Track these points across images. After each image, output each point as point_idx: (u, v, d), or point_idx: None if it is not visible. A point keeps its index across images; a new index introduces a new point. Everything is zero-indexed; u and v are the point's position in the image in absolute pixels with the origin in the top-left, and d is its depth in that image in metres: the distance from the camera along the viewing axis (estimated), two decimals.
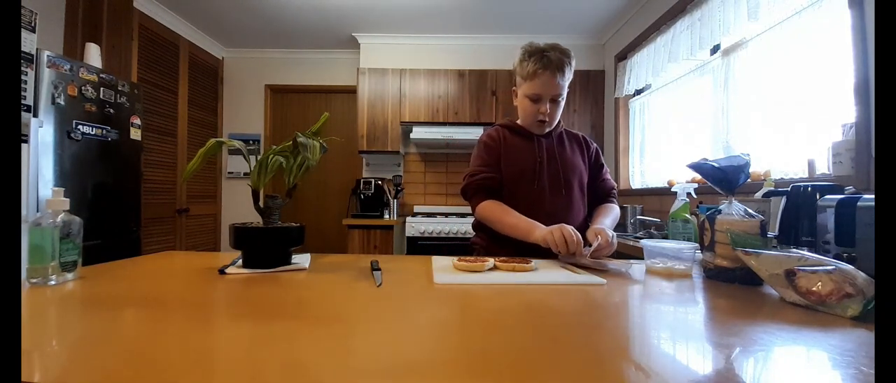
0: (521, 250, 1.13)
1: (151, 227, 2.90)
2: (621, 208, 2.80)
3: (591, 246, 1.03)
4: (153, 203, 2.95)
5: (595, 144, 1.38)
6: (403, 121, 3.36)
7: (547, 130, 1.29)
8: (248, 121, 3.90)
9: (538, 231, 1.08)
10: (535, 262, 0.95)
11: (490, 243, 1.26)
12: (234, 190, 3.89)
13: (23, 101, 1.73)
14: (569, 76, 1.21)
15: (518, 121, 1.33)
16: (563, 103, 1.25)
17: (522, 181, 1.24)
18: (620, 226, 2.73)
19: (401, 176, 3.58)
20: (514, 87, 1.31)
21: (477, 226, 1.33)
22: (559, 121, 1.32)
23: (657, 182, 2.76)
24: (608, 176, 1.38)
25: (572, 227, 1.02)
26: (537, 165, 1.25)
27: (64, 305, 0.61)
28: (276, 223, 0.92)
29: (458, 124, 3.34)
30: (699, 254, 0.91)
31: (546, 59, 1.17)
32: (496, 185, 1.24)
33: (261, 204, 0.93)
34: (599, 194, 1.35)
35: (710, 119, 2.24)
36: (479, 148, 1.31)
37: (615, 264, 0.99)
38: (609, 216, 1.27)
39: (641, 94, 2.97)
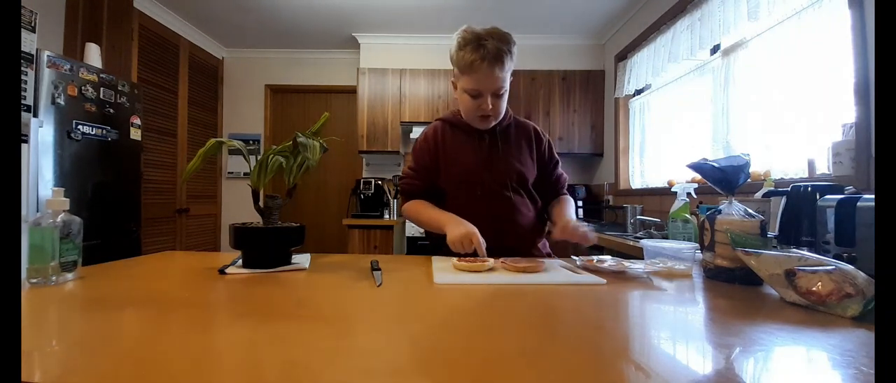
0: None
1: (151, 227, 2.90)
2: (621, 208, 2.81)
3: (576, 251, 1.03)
4: (153, 203, 2.95)
5: (547, 136, 1.28)
6: (403, 121, 3.36)
7: (492, 124, 1.18)
8: (248, 121, 3.90)
9: (448, 227, 1.04)
10: (545, 263, 0.94)
11: (437, 247, 1.19)
12: (234, 190, 3.89)
13: (23, 101, 1.73)
14: (510, 66, 1.09)
15: (461, 113, 1.23)
16: (506, 95, 1.14)
17: (464, 182, 1.16)
18: (620, 227, 2.73)
19: (401, 176, 3.57)
20: (452, 78, 1.19)
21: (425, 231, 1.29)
22: (507, 112, 1.21)
23: (657, 182, 2.76)
24: (560, 169, 1.29)
25: (479, 237, 0.98)
26: (480, 166, 1.16)
27: (64, 305, 0.61)
28: (276, 223, 0.92)
29: None
30: (699, 254, 0.91)
31: (483, 50, 1.05)
32: (419, 192, 1.22)
33: (261, 204, 0.92)
34: (552, 190, 1.27)
35: (710, 119, 2.24)
36: (413, 148, 1.26)
37: (633, 269, 0.89)
38: (568, 207, 1.21)
39: (641, 94, 2.97)
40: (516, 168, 1.19)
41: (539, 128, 1.29)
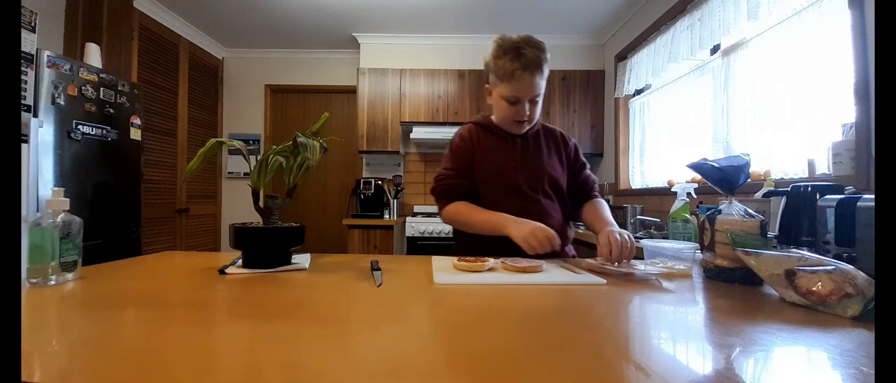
0: (490, 250, 1.07)
1: (151, 227, 2.90)
2: (621, 208, 2.81)
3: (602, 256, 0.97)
4: (153, 203, 2.95)
5: (573, 141, 1.31)
6: (403, 121, 3.36)
7: (526, 129, 1.22)
8: (248, 121, 3.90)
9: (512, 227, 1.03)
10: (545, 264, 0.93)
11: (461, 246, 1.21)
12: (234, 190, 3.89)
13: (23, 101, 1.73)
14: (546, 72, 1.13)
15: (492, 118, 1.26)
16: (541, 101, 1.17)
17: (498, 185, 1.18)
18: (621, 227, 2.72)
19: (401, 176, 3.58)
20: (487, 85, 1.22)
21: (452, 230, 1.29)
22: (537, 119, 1.25)
23: (657, 182, 2.76)
24: (589, 171, 1.31)
25: (549, 228, 0.98)
26: (513, 169, 1.19)
27: (64, 305, 0.61)
28: (276, 223, 0.92)
29: (458, 124, 3.33)
30: (699, 254, 0.91)
31: (524, 59, 1.08)
32: (462, 191, 1.19)
33: (261, 204, 0.93)
34: (583, 192, 1.29)
35: (710, 119, 2.24)
36: (449, 149, 1.26)
37: (638, 271, 0.88)
38: (607, 211, 1.20)
39: (641, 94, 2.97)
40: (548, 172, 1.22)
41: (565, 133, 1.32)
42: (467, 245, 1.19)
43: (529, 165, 1.21)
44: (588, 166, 1.33)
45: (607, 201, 3.34)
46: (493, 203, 1.16)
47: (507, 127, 1.22)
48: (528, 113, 1.15)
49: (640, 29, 2.83)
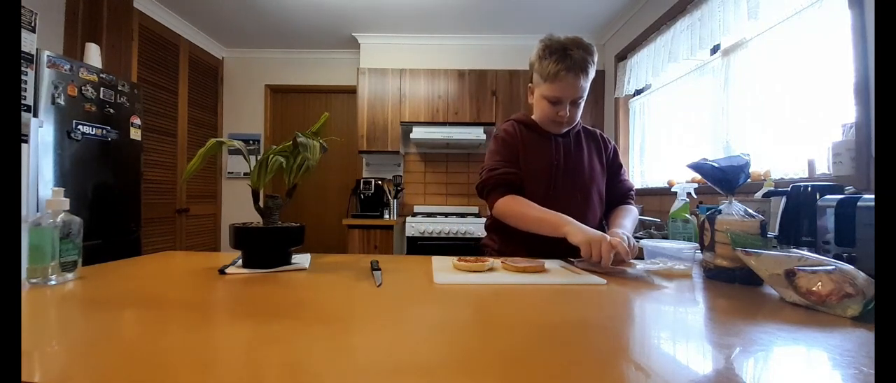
0: (535, 252, 1.06)
1: (151, 227, 2.90)
2: None
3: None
4: (153, 203, 2.95)
5: (613, 143, 1.31)
6: (403, 121, 3.36)
7: (566, 129, 1.21)
8: (248, 121, 3.90)
9: (572, 229, 0.98)
10: (548, 264, 0.93)
11: (503, 245, 1.20)
12: (234, 190, 3.89)
13: (23, 101, 1.73)
14: (592, 75, 1.12)
15: (533, 117, 1.25)
16: (583, 104, 1.16)
17: (537, 183, 1.17)
18: None
19: (401, 176, 3.57)
20: (530, 84, 1.22)
21: (490, 226, 1.26)
22: (577, 120, 1.24)
23: (657, 182, 2.76)
24: (626, 176, 1.31)
25: (618, 240, 0.90)
26: (553, 168, 1.18)
27: (64, 305, 0.61)
28: (276, 223, 0.92)
29: (458, 124, 3.34)
30: (699, 254, 0.91)
31: (569, 60, 1.07)
32: (517, 181, 1.16)
33: (261, 204, 0.93)
34: (617, 196, 1.27)
35: (710, 119, 2.24)
36: (495, 143, 1.24)
37: (636, 271, 0.89)
38: (627, 218, 1.17)
39: (641, 94, 2.98)
40: (588, 172, 1.21)
41: (604, 134, 1.32)
42: (513, 243, 1.16)
43: (570, 166, 1.20)
44: (624, 170, 1.32)
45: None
46: (532, 201, 1.14)
47: (546, 126, 1.21)
48: (568, 114, 1.14)
49: (640, 29, 2.83)
